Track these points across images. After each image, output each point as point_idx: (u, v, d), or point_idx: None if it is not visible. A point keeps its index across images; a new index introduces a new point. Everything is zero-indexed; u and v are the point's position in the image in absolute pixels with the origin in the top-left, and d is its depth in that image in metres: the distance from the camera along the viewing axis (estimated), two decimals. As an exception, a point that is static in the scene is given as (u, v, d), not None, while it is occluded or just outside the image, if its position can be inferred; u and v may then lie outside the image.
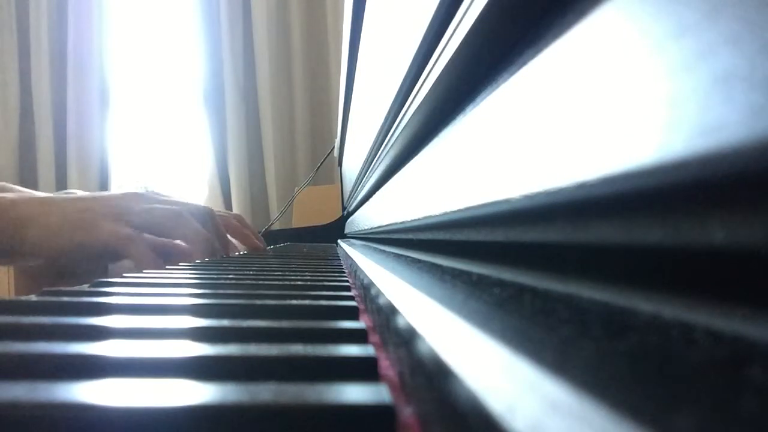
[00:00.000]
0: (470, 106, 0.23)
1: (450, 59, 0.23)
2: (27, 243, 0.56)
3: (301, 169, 2.34)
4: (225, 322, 0.22)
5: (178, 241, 0.62)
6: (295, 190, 1.90)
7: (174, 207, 0.63)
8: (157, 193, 0.68)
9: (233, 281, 0.40)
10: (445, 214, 0.24)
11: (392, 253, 0.47)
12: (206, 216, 0.68)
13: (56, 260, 0.58)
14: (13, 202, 0.57)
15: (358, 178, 0.93)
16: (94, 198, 0.60)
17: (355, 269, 0.43)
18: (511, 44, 0.19)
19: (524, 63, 0.17)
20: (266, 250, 0.97)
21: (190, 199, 0.77)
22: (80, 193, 0.67)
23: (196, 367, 0.16)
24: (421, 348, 0.13)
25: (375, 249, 0.62)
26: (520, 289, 0.15)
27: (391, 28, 0.45)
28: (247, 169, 2.38)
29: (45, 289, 0.31)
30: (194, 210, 0.66)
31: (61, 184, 2.43)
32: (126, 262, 0.60)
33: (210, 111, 2.39)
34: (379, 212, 0.59)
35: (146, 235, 0.59)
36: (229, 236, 0.90)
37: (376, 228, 0.60)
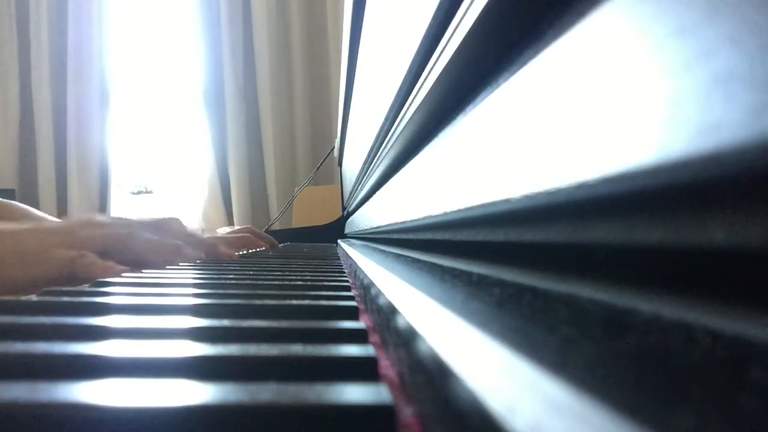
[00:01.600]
0: (470, 106, 0.23)
1: (450, 59, 0.23)
2: None
3: (301, 169, 2.34)
4: (225, 322, 0.22)
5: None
6: (295, 190, 1.90)
7: (123, 230, 0.61)
8: (113, 218, 0.67)
9: (233, 281, 0.40)
10: (445, 214, 0.24)
11: (392, 253, 0.47)
12: (161, 227, 0.66)
13: (11, 293, 0.57)
14: None
15: (358, 178, 0.93)
16: (45, 229, 0.59)
17: (355, 269, 0.43)
18: (511, 44, 0.19)
19: (524, 63, 0.17)
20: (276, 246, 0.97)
21: (148, 215, 0.76)
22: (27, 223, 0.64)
23: (196, 367, 0.16)
24: (421, 348, 0.13)
25: (375, 249, 0.62)
26: (520, 289, 0.15)
27: (391, 28, 0.45)
28: (247, 169, 2.38)
29: (45, 289, 0.31)
30: (147, 225, 0.65)
31: (61, 184, 2.43)
32: None
33: (210, 111, 2.39)
34: (379, 212, 0.59)
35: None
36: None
37: (376, 228, 0.60)
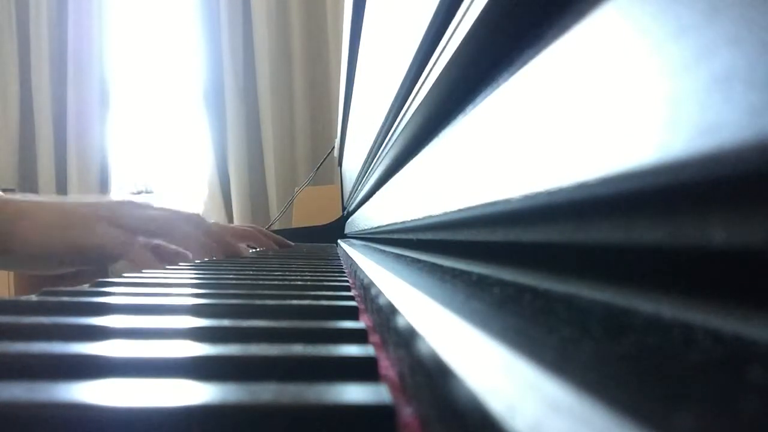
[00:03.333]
0: (470, 107, 0.23)
1: (450, 59, 0.23)
2: (17, 238, 0.55)
3: (301, 169, 2.34)
4: (225, 322, 0.22)
5: (174, 246, 0.62)
6: (295, 190, 1.90)
7: (168, 213, 0.65)
8: (149, 203, 0.70)
9: (233, 281, 0.40)
10: (445, 214, 0.24)
11: (392, 253, 0.47)
12: (197, 222, 0.70)
13: (48, 260, 0.58)
14: (6, 200, 0.57)
15: (358, 178, 0.93)
16: (90, 202, 0.60)
17: (355, 269, 0.43)
18: (511, 44, 0.19)
19: (524, 63, 0.17)
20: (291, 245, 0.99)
21: (181, 206, 0.80)
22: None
23: (196, 367, 0.16)
24: (421, 348, 0.13)
25: (375, 249, 0.62)
26: (520, 289, 0.15)
27: (391, 28, 0.45)
28: (247, 169, 2.38)
29: (45, 289, 0.31)
30: (185, 216, 0.68)
31: (61, 184, 2.43)
32: (122, 264, 0.60)
33: (210, 111, 2.39)
34: (379, 212, 0.59)
35: (141, 238, 0.59)
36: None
37: (376, 228, 0.60)
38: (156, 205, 0.70)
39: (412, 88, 0.33)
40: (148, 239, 0.60)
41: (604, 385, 0.08)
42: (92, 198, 0.67)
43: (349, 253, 0.62)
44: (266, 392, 0.13)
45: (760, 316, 0.08)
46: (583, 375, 0.09)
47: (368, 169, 0.73)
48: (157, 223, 0.62)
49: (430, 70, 0.27)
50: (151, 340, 0.19)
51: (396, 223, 0.42)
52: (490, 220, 0.20)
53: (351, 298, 0.31)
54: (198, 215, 0.72)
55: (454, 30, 0.22)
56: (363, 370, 0.16)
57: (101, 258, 0.58)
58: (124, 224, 0.59)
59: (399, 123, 0.39)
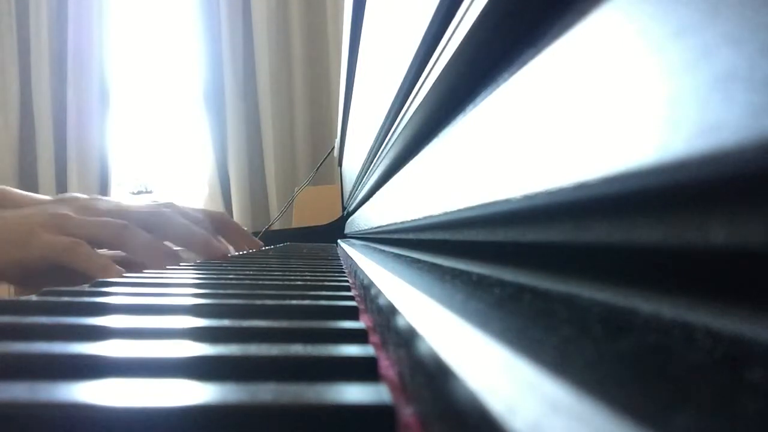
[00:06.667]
0: (470, 107, 0.23)
1: (450, 59, 0.23)
2: None
3: (301, 169, 2.34)
4: (225, 322, 0.22)
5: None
6: (295, 190, 1.90)
7: (118, 221, 0.56)
8: (100, 199, 0.62)
9: (233, 281, 0.40)
10: (445, 214, 0.24)
11: (392, 253, 0.47)
12: (157, 221, 0.61)
13: None
14: None
15: (358, 178, 0.93)
16: (30, 210, 0.55)
17: (355, 269, 0.43)
18: (511, 44, 0.19)
19: (524, 63, 0.17)
20: (260, 246, 0.91)
21: (144, 201, 0.69)
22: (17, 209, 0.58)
23: (196, 367, 0.16)
24: (421, 348, 0.13)
25: (375, 249, 0.62)
26: (520, 289, 0.15)
27: (391, 28, 0.45)
28: (247, 169, 2.38)
29: (45, 289, 0.31)
30: (143, 216, 0.60)
31: (61, 183, 2.43)
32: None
33: (210, 111, 2.39)
34: (379, 212, 0.58)
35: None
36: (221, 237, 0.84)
37: (376, 228, 0.60)
38: (113, 203, 0.61)
39: (412, 88, 0.33)
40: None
41: (603, 385, 0.08)
42: (34, 207, 0.56)
43: (349, 253, 0.62)
44: (266, 392, 0.13)
45: (760, 316, 0.08)
46: (583, 375, 0.09)
47: (368, 169, 0.73)
48: (106, 232, 0.54)
49: (430, 69, 0.27)
50: (151, 340, 0.19)
51: (396, 223, 0.42)
52: (490, 220, 0.20)
53: (351, 298, 0.31)
54: (172, 206, 0.63)
55: (454, 30, 0.22)
56: (363, 370, 0.16)
57: (50, 269, 0.52)
58: (66, 229, 0.53)
59: (399, 123, 0.39)
